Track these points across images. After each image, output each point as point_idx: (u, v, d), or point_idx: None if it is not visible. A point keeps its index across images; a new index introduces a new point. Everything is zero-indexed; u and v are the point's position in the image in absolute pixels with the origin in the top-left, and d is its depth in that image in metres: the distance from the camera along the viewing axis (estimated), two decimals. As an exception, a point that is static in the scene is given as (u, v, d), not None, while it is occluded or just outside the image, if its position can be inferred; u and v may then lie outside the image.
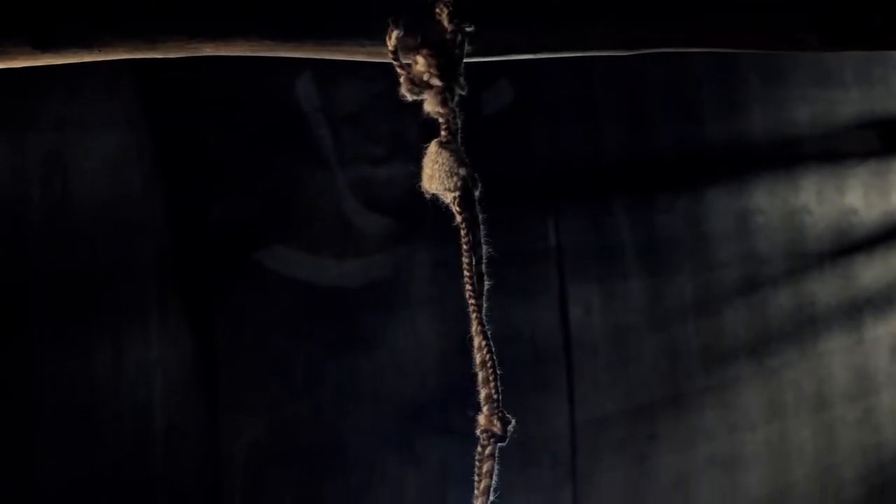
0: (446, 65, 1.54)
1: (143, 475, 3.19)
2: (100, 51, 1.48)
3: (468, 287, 1.50)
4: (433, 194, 1.53)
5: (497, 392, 1.48)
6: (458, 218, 1.51)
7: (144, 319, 3.21)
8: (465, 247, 1.52)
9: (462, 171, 1.51)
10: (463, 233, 1.51)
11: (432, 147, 1.53)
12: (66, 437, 3.09)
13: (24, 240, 3.10)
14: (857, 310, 4.18)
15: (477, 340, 1.49)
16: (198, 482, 3.27)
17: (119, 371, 3.17)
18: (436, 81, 1.54)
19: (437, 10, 1.54)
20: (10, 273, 3.07)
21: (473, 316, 1.49)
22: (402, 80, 1.55)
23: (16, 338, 3.05)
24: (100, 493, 3.14)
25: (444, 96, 1.54)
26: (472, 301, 1.49)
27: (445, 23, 1.54)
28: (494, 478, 1.46)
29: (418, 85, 1.54)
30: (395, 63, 1.54)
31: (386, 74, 1.64)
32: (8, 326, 3.05)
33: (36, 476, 3.07)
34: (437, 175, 1.50)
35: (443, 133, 1.54)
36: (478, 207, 1.53)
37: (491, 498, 1.44)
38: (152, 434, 3.20)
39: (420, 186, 1.54)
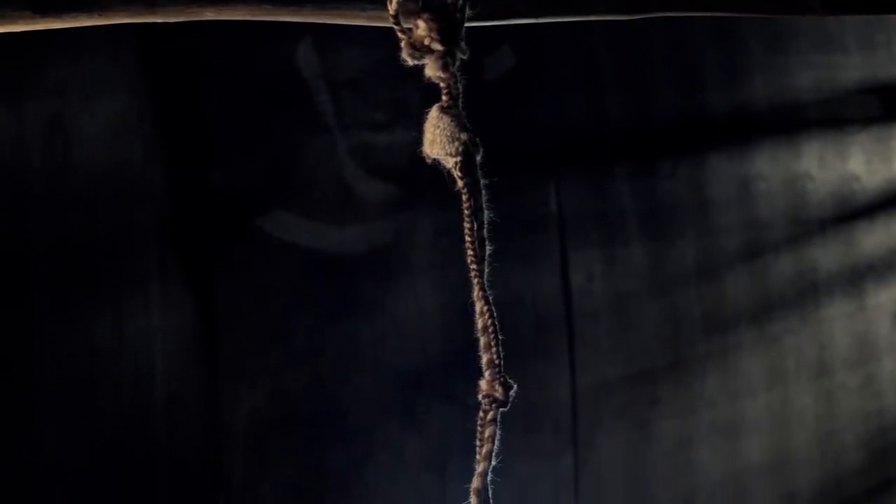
0: (447, 29, 1.54)
1: (144, 444, 3.19)
2: (99, 15, 1.47)
3: (469, 252, 1.50)
4: (434, 160, 1.52)
5: (499, 357, 1.48)
6: (460, 183, 1.51)
7: (145, 287, 3.21)
8: (466, 212, 1.51)
9: (463, 136, 1.50)
10: (464, 198, 1.50)
11: (433, 112, 1.52)
12: (67, 405, 3.09)
13: (23, 206, 3.10)
14: (859, 276, 4.18)
15: (478, 306, 1.49)
16: (198, 450, 3.27)
17: (119, 339, 3.18)
18: (437, 46, 1.53)
19: (439, -27, 1.53)
20: (10, 240, 3.07)
21: (475, 281, 1.49)
22: (402, 44, 1.54)
23: (15, 306, 3.06)
24: (100, 461, 3.15)
25: (446, 61, 1.53)
26: (473, 266, 1.49)
27: (447, -13, 1.53)
28: (496, 443, 1.46)
29: (419, 49, 1.54)
30: (395, 27, 1.54)
31: (387, 39, 1.63)
32: (7, 294, 3.05)
33: (36, 445, 3.08)
34: (438, 140, 1.49)
35: (444, 98, 1.53)
36: (479, 172, 1.52)
37: (493, 463, 1.44)
38: (153, 402, 3.21)
39: (421, 152, 1.53)
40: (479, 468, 1.43)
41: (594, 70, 3.85)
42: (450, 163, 1.49)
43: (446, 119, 1.49)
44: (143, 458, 3.19)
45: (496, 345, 1.48)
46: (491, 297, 1.47)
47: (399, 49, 1.54)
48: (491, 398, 1.47)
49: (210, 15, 1.52)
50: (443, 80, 1.53)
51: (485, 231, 1.48)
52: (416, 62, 1.54)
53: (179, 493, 3.23)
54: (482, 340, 1.47)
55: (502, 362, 1.47)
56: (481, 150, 1.51)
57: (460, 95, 1.53)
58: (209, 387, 3.29)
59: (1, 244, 3.06)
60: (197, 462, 3.27)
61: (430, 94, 1.58)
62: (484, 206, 1.49)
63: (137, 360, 3.18)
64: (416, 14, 1.53)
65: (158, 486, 3.22)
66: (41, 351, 3.05)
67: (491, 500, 1.40)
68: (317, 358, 3.41)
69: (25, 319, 3.07)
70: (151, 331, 3.21)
